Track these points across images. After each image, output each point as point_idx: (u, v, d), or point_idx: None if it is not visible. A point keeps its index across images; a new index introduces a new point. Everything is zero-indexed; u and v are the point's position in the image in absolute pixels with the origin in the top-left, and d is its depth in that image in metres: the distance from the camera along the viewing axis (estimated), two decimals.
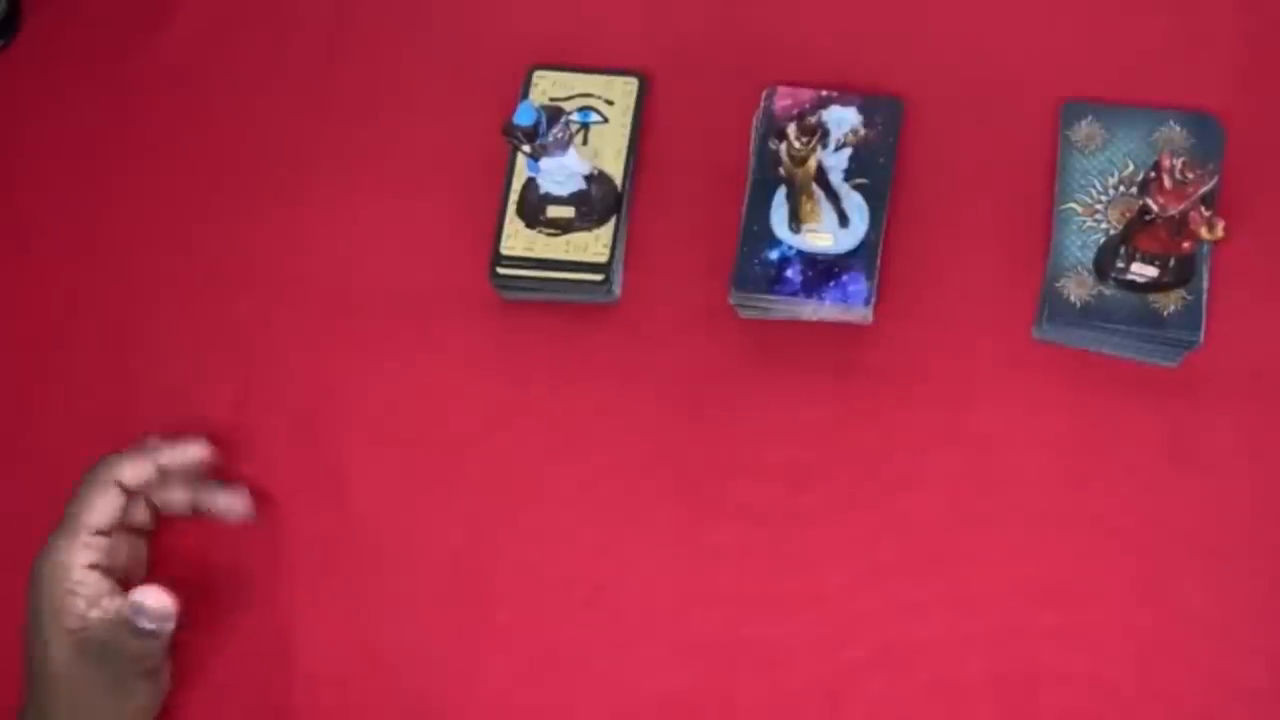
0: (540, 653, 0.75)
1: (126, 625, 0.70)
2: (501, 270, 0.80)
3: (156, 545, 0.78)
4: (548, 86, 0.84)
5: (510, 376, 0.80)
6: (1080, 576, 0.73)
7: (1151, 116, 0.79)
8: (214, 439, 0.79)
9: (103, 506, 0.72)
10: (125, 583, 0.74)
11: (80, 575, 0.70)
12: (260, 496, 0.79)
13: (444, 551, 0.77)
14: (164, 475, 0.75)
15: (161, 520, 0.78)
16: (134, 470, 0.73)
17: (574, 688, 0.75)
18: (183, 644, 0.76)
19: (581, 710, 0.74)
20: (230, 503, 0.77)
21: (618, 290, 0.80)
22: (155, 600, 0.70)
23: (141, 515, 0.76)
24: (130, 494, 0.74)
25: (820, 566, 0.75)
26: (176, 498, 0.77)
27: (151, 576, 0.77)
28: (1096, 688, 0.72)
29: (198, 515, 0.77)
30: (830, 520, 0.75)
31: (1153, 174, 0.70)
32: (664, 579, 0.76)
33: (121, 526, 0.74)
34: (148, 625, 0.70)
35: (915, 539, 0.75)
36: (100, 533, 0.72)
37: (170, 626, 0.71)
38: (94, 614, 0.70)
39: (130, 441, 0.76)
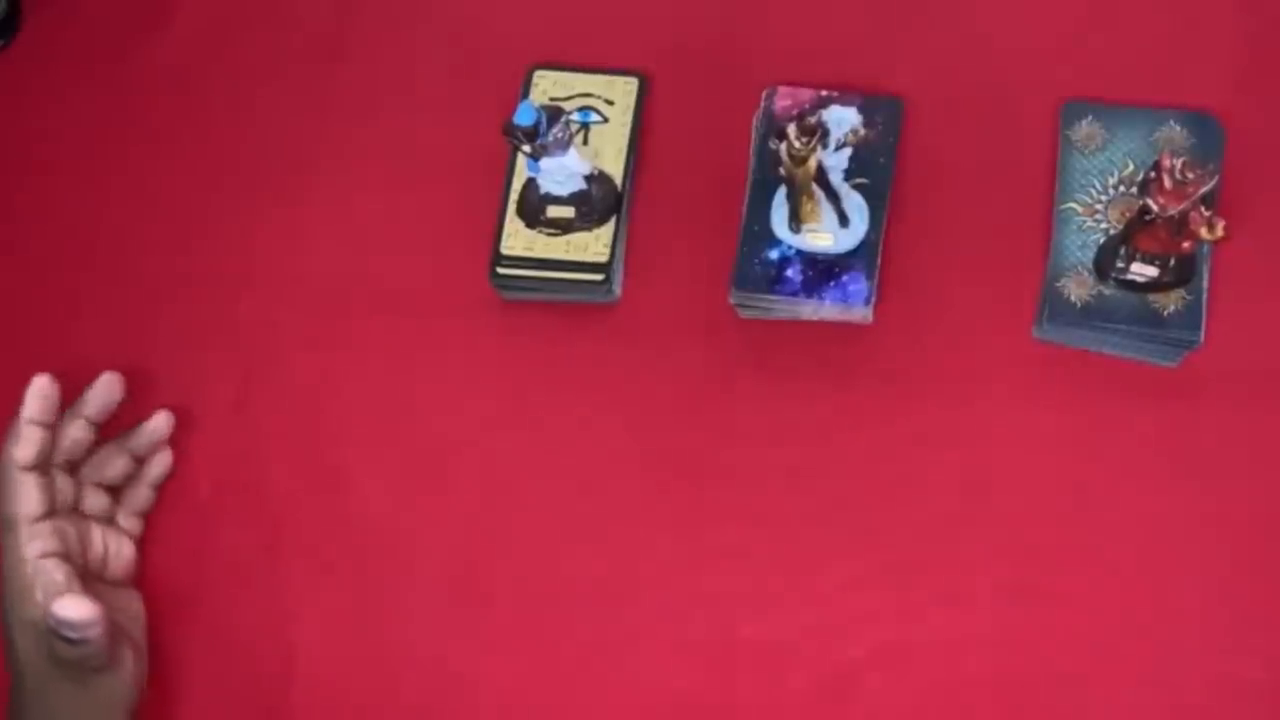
0: (540, 653, 0.75)
1: (53, 634, 0.68)
2: (501, 270, 0.80)
3: (155, 546, 0.78)
4: (548, 86, 0.84)
5: (510, 376, 0.80)
6: (1080, 576, 0.73)
7: (1151, 116, 0.79)
8: (214, 439, 0.80)
9: (24, 493, 0.71)
10: (99, 574, 0.74)
11: (34, 566, 0.70)
12: (260, 496, 0.79)
13: (443, 551, 0.77)
14: (88, 448, 0.75)
15: (148, 513, 0.79)
16: (24, 446, 0.72)
17: (573, 688, 0.75)
18: (182, 644, 0.76)
19: (581, 710, 0.74)
20: (154, 426, 0.78)
21: (618, 290, 0.80)
22: (74, 611, 0.68)
23: (73, 494, 0.75)
24: (40, 469, 0.72)
25: (820, 566, 0.75)
26: (116, 464, 0.77)
27: (150, 577, 0.78)
28: (1096, 687, 0.72)
29: (139, 466, 0.78)
30: (830, 520, 0.75)
31: (1153, 174, 0.70)
32: (664, 579, 0.76)
33: (60, 509, 0.73)
34: (72, 635, 0.68)
35: (915, 539, 0.75)
36: (38, 519, 0.71)
37: (96, 633, 0.69)
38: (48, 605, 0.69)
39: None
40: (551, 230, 0.80)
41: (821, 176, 0.76)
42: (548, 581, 0.76)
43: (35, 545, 0.70)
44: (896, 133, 0.80)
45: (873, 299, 0.77)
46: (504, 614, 0.76)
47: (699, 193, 0.82)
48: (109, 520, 0.76)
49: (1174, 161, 0.69)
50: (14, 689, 0.71)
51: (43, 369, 0.81)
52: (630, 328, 0.80)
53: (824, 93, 0.81)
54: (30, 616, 0.69)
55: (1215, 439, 0.75)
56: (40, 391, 0.73)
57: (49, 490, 0.72)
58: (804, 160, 0.74)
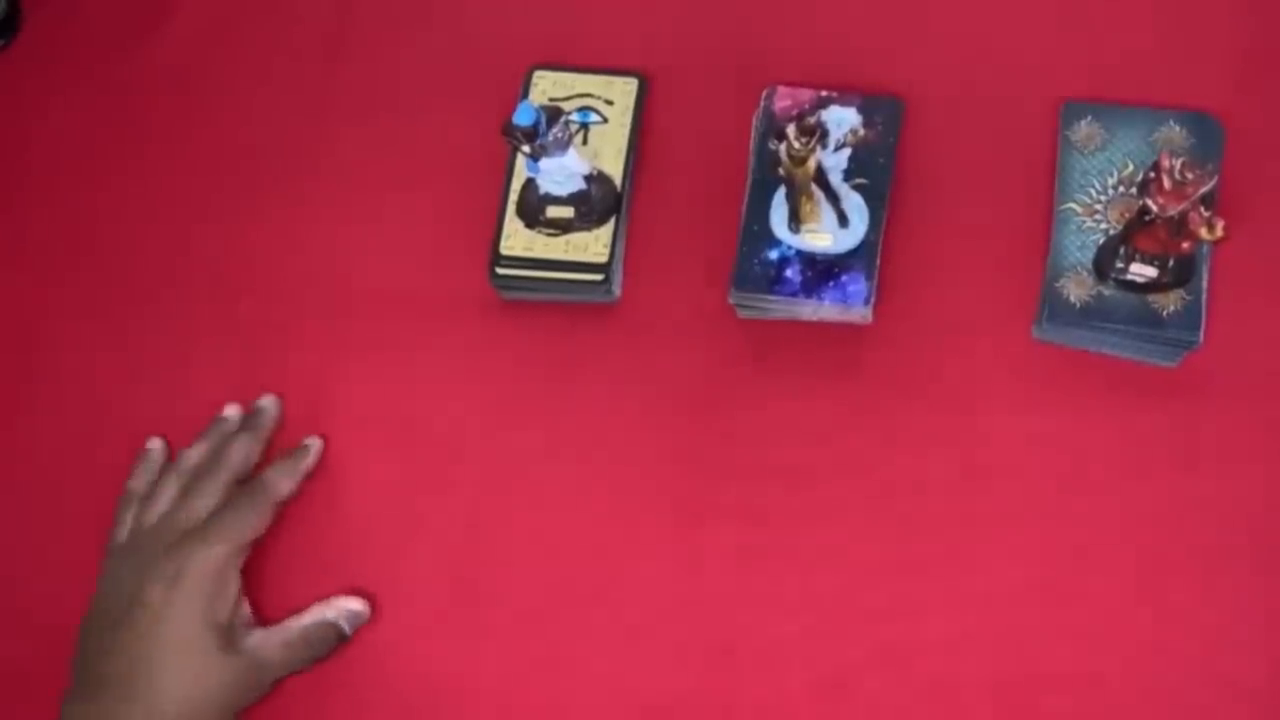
0: (540, 653, 0.75)
1: (335, 631, 0.75)
2: (501, 270, 0.80)
3: None
4: (548, 86, 0.84)
5: (510, 376, 0.80)
6: (1080, 576, 0.73)
7: (1151, 116, 0.79)
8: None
9: (261, 525, 0.75)
10: None
11: (234, 583, 0.74)
12: None
13: (443, 551, 0.77)
14: None
15: None
16: (290, 485, 0.77)
17: (574, 688, 0.75)
18: None
19: (581, 710, 0.74)
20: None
21: (618, 290, 0.81)
22: (365, 608, 0.76)
23: None
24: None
25: (820, 566, 0.75)
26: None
27: None
28: (1096, 688, 0.72)
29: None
30: (830, 520, 0.75)
31: (1152, 174, 0.70)
32: (664, 579, 0.76)
33: None
34: (349, 630, 0.75)
35: (915, 539, 0.75)
36: (249, 546, 0.75)
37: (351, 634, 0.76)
38: (234, 612, 0.74)
39: (133, 442, 0.76)
40: (551, 230, 0.80)
41: (821, 177, 0.76)
42: (547, 581, 0.76)
43: (237, 561, 0.75)
44: (896, 133, 0.80)
45: (872, 299, 0.77)
46: (503, 613, 0.76)
47: (699, 193, 0.82)
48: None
49: (1173, 162, 0.69)
50: (121, 689, 0.71)
51: (42, 368, 0.81)
52: (630, 328, 0.80)
53: (824, 93, 0.81)
54: (218, 619, 0.72)
55: (1215, 439, 0.75)
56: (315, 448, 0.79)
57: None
58: (803, 160, 0.74)
